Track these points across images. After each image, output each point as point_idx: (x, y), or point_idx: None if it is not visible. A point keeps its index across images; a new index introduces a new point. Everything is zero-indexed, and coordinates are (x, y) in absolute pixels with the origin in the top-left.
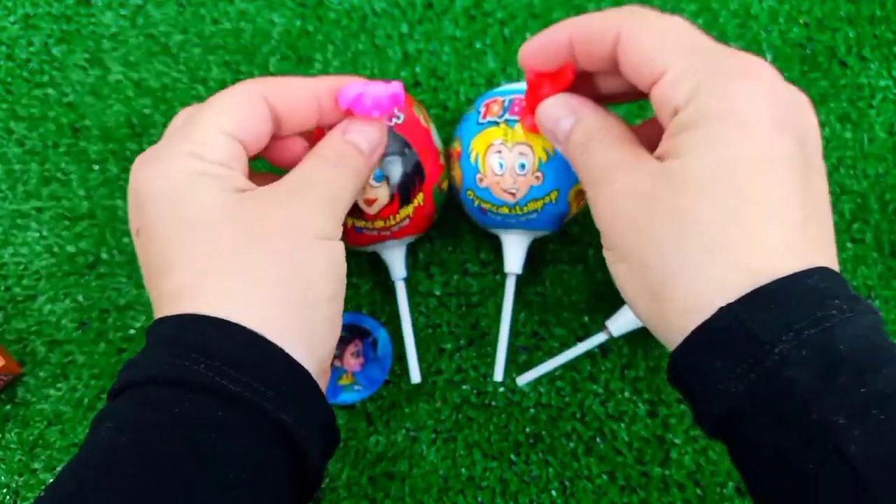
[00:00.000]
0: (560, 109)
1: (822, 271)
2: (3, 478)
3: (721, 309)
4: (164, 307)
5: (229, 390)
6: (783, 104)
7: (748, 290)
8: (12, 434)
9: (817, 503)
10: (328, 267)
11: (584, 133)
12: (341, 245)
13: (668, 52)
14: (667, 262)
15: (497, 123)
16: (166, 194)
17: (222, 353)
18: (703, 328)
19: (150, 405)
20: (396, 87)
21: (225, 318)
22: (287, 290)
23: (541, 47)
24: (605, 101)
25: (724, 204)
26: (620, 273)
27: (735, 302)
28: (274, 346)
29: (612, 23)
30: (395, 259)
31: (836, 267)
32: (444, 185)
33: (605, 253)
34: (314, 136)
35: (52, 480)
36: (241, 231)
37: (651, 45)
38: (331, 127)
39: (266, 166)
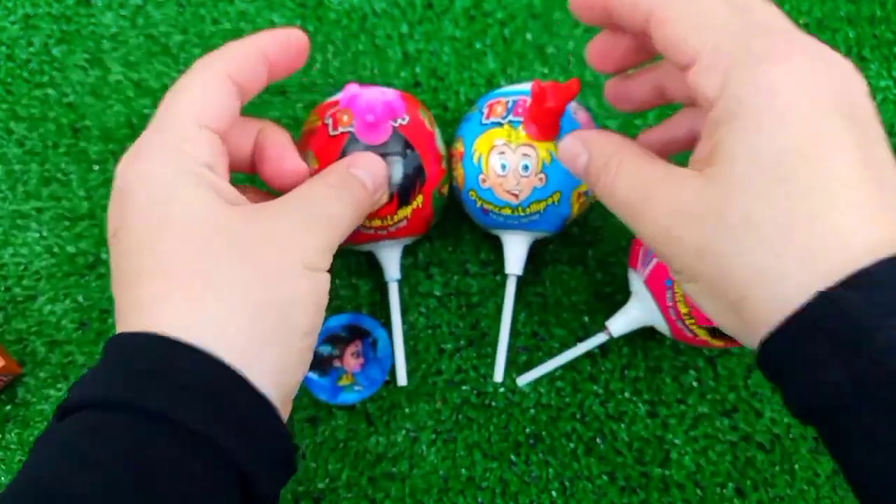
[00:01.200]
0: (575, 146)
1: None
2: (3, 478)
3: (817, 295)
4: (128, 319)
5: (185, 421)
6: (823, 81)
7: (836, 278)
8: (12, 434)
9: None
10: (310, 298)
11: (595, 166)
12: (327, 277)
13: (696, 38)
14: (736, 276)
15: (501, 124)
16: (148, 194)
17: (182, 381)
18: (796, 316)
19: (100, 435)
20: (392, 95)
21: (191, 340)
22: (264, 316)
23: (585, 3)
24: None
25: (779, 201)
26: (692, 292)
27: (832, 287)
28: (238, 377)
29: (643, 2)
30: (391, 260)
31: None
32: (445, 189)
33: (674, 275)
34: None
35: None
36: (224, 243)
37: (680, 31)
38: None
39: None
